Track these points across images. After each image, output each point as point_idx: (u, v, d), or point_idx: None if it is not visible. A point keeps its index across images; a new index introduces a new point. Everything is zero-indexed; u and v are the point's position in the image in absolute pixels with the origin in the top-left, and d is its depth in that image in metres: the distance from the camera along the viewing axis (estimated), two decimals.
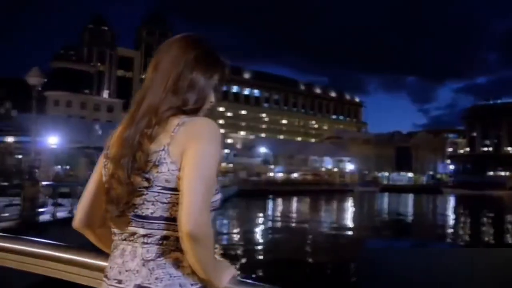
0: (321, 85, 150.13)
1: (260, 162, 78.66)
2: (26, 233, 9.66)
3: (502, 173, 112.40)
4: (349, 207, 50.19)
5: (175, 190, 1.13)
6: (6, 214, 11.74)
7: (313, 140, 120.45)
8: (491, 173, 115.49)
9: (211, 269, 1.15)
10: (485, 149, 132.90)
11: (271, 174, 79.40)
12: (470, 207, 50.33)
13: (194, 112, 1.24)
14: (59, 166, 29.35)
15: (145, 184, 1.15)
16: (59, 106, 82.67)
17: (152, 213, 1.16)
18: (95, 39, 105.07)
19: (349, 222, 35.18)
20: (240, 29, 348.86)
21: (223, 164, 67.84)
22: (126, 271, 1.16)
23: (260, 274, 14.34)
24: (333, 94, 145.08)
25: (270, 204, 48.06)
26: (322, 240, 23.14)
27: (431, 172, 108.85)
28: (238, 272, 1.27)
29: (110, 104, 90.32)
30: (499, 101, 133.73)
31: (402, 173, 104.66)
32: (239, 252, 18.54)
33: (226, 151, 71.85)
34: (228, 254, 17.60)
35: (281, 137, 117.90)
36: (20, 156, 26.73)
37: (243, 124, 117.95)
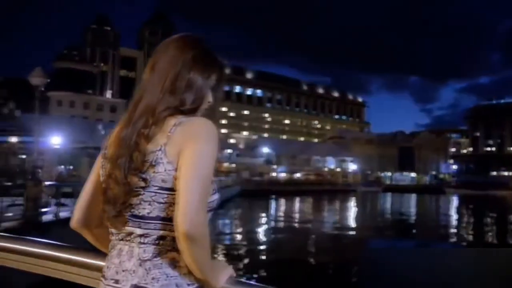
0: (323, 85, 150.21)
1: (263, 162, 78.63)
2: (29, 233, 9.70)
3: (505, 173, 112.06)
4: (352, 207, 50.13)
5: (172, 190, 1.13)
6: (9, 214, 11.79)
7: (315, 140, 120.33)
8: (494, 173, 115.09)
9: (208, 269, 1.14)
10: (488, 149, 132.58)
11: (274, 174, 79.34)
12: (473, 207, 50.20)
13: (191, 112, 1.23)
14: (62, 166, 29.47)
15: (142, 184, 1.15)
16: (62, 106, 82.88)
17: (148, 213, 1.16)
18: (98, 39, 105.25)
19: (351, 222, 35.15)
20: (241, 29, 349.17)
21: (226, 164, 67.93)
22: (123, 271, 1.16)
23: (263, 274, 14.35)
24: (335, 94, 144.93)
25: (272, 204, 48.03)
26: (325, 240, 23.13)
27: (434, 172, 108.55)
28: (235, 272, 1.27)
29: (113, 104, 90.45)
30: (502, 101, 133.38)
31: (405, 173, 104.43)
32: (242, 252, 18.54)
33: (229, 151, 71.88)
34: (231, 254, 17.62)
35: (284, 137, 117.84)
36: (23, 156, 26.84)
37: (246, 124, 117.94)
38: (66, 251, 1.48)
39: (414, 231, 29.86)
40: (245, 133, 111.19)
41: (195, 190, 1.09)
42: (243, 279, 1.28)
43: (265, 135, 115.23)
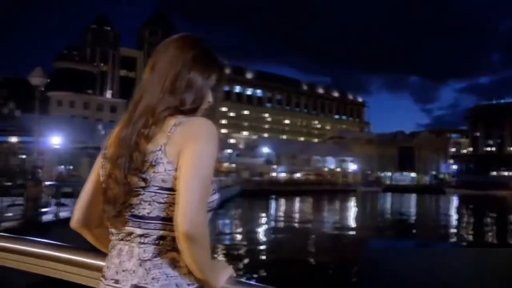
0: (323, 85, 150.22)
1: (263, 162, 78.62)
2: (29, 233, 9.70)
3: (505, 173, 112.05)
4: (352, 207, 50.13)
5: (172, 190, 1.13)
6: (9, 214, 11.79)
7: (315, 140, 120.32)
8: (494, 173, 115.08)
9: (208, 269, 1.14)
10: (488, 149, 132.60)
11: (274, 174, 79.33)
12: (473, 207, 50.20)
13: (191, 112, 1.23)
14: (62, 166, 29.48)
15: (142, 184, 1.15)
16: (62, 106, 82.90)
17: (148, 213, 1.15)
18: (98, 39, 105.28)
19: (351, 222, 35.16)
20: (241, 29, 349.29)
21: (226, 164, 67.92)
22: (123, 271, 1.16)
23: (263, 274, 14.35)
24: (335, 94, 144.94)
25: (272, 204, 48.03)
26: (325, 240, 23.13)
27: (434, 172, 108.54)
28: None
29: (113, 104, 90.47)
30: (502, 101, 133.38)
31: (405, 173, 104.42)
32: (242, 252, 18.54)
33: (229, 151, 71.89)
34: (231, 254, 17.62)
35: (284, 137, 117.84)
36: (23, 156, 26.84)
37: (246, 124, 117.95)
38: (66, 251, 1.48)
39: (414, 231, 29.86)
40: (245, 133, 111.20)
41: (195, 190, 1.09)
42: (243, 279, 1.28)
43: (265, 135, 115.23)
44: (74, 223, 1.33)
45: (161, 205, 1.15)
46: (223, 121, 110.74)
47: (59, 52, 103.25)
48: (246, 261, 16.55)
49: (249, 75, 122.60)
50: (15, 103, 69.79)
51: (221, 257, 15.93)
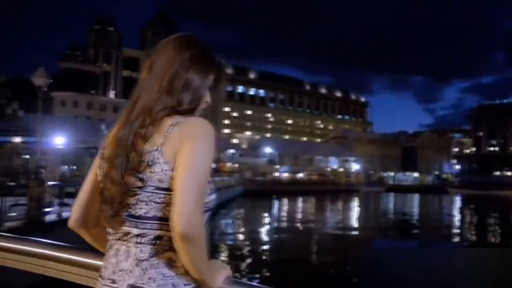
0: (326, 85, 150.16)
1: (266, 162, 78.59)
2: (32, 233, 9.73)
3: (509, 173, 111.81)
4: (355, 207, 50.07)
5: (169, 190, 1.13)
6: (13, 214, 11.79)
7: (318, 140, 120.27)
8: (498, 173, 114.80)
9: (204, 269, 1.15)
10: (491, 149, 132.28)
11: (277, 174, 79.25)
12: (476, 207, 50.08)
13: (189, 112, 1.23)
14: (66, 166, 29.50)
15: (139, 184, 1.15)
16: (65, 106, 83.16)
17: (145, 213, 1.16)
18: (101, 39, 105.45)
19: (354, 222, 35.13)
20: (244, 29, 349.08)
21: (229, 164, 68.00)
22: (120, 270, 1.16)
23: (266, 274, 14.36)
24: (338, 94, 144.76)
25: (275, 204, 48.00)
26: (328, 240, 23.12)
27: (436, 172, 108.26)
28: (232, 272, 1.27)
29: (116, 104, 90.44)
30: (505, 100, 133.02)
31: (407, 173, 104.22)
32: (245, 252, 18.55)
33: (232, 151, 71.96)
34: (234, 253, 17.64)
35: (287, 137, 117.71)
36: (27, 156, 26.87)
37: (249, 124, 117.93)
38: (66, 251, 1.48)
39: (417, 231, 29.79)
40: (248, 133, 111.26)
41: (192, 190, 1.09)
42: (240, 279, 1.28)
43: (268, 135, 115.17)
44: (71, 223, 1.34)
45: (158, 205, 1.15)
46: (226, 121, 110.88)
47: (63, 52, 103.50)
48: (249, 261, 16.57)
49: (251, 75, 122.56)
50: (18, 103, 69.87)
51: (224, 257, 15.95)
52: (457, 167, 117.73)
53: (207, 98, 1.30)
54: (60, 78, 79.26)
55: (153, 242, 1.16)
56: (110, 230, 1.23)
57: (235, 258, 16.49)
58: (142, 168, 1.15)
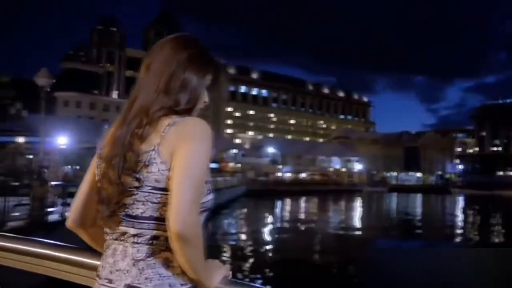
0: (329, 85, 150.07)
1: (268, 162, 78.50)
2: (34, 233, 9.75)
3: None
4: (357, 207, 49.98)
5: (165, 190, 1.13)
6: (16, 214, 11.82)
7: (321, 140, 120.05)
8: (501, 173, 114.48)
9: (201, 269, 1.14)
10: (495, 148, 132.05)
11: (279, 174, 79.16)
12: (479, 207, 49.93)
13: (186, 112, 1.23)
14: (69, 166, 29.51)
15: (136, 184, 1.15)
16: (68, 106, 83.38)
17: (142, 213, 1.16)
18: (104, 40, 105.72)
19: (357, 222, 35.05)
20: (247, 29, 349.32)
21: (231, 164, 67.95)
22: (117, 270, 1.17)
23: (269, 274, 14.35)
24: (341, 94, 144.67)
25: (278, 204, 47.93)
26: (330, 240, 23.08)
27: (439, 172, 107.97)
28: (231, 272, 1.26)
29: (119, 105, 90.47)
30: (508, 100, 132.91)
31: (410, 173, 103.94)
32: (247, 251, 18.55)
33: (234, 151, 71.91)
34: (237, 253, 17.64)
35: (289, 137, 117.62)
36: (30, 156, 26.93)
37: (251, 124, 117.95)
38: (66, 251, 1.49)
39: (419, 231, 29.72)
40: (250, 133, 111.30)
41: (188, 190, 1.09)
42: (237, 279, 1.27)
43: (271, 135, 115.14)
44: (69, 223, 1.34)
45: (155, 205, 1.15)
46: (229, 121, 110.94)
47: (66, 52, 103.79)
48: (251, 261, 16.56)
49: (254, 75, 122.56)
50: (22, 103, 70.17)
51: (226, 257, 15.95)
52: (460, 167, 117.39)
53: (205, 98, 1.30)
54: (63, 79, 79.55)
55: (150, 242, 1.16)
56: (107, 230, 1.23)
57: (237, 258, 16.50)
58: (139, 168, 1.15)
